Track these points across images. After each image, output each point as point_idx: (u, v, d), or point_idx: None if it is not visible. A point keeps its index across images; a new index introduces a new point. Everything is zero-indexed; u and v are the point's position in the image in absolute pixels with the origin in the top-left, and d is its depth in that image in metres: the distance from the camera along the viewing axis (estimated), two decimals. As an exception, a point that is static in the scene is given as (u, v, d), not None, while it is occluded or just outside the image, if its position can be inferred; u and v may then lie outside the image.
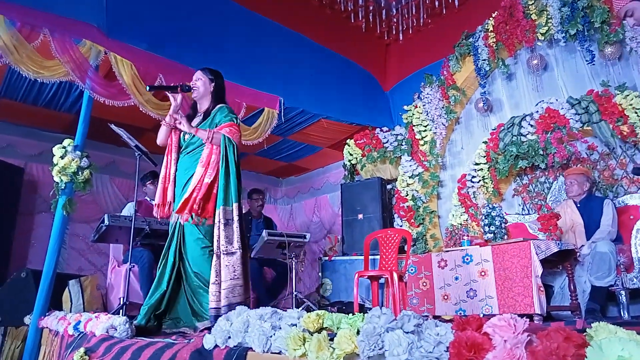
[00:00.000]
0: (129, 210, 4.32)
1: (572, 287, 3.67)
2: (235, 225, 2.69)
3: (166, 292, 2.72)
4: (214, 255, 2.64)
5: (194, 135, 2.86)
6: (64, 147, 3.55)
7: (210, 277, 2.64)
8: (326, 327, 1.41)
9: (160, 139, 3.01)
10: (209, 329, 2.45)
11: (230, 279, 2.59)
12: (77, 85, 3.88)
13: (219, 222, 2.66)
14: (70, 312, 3.51)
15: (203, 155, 2.79)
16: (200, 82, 2.98)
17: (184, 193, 2.81)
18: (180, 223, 2.80)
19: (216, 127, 2.85)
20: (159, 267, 2.82)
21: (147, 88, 2.92)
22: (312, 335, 1.34)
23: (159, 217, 2.95)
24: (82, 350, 2.29)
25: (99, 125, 4.14)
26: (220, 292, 2.56)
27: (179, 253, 2.78)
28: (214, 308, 2.53)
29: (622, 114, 3.94)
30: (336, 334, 1.27)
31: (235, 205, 2.73)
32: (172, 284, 2.74)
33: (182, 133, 2.98)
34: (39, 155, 5.84)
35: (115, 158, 6.42)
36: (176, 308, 2.78)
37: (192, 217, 2.75)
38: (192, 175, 2.81)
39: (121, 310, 3.34)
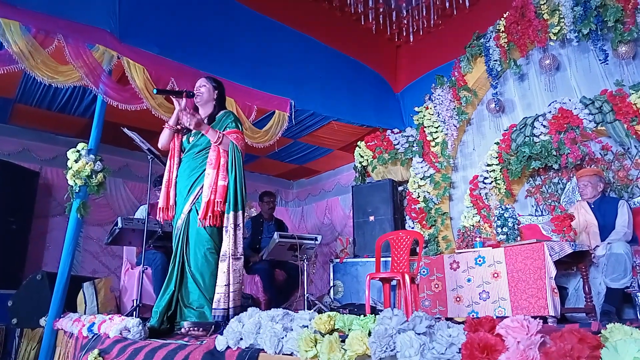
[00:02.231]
0: (141, 213, 4.35)
1: (586, 289, 3.62)
2: (241, 231, 2.76)
3: (174, 292, 2.75)
4: (223, 259, 2.68)
5: (200, 137, 2.90)
6: (78, 151, 3.59)
7: (205, 280, 2.71)
8: (337, 329, 1.41)
9: (162, 142, 3.02)
10: (200, 328, 2.49)
11: (237, 283, 2.68)
12: (90, 90, 3.93)
13: (229, 226, 2.70)
14: (85, 314, 3.55)
15: (211, 157, 2.81)
16: (204, 89, 3.02)
17: (189, 195, 2.84)
18: (185, 224, 2.83)
19: (224, 131, 2.90)
20: (169, 270, 2.85)
21: (155, 91, 2.97)
22: (323, 336, 1.34)
23: (162, 220, 2.98)
24: (96, 351, 2.31)
25: (112, 129, 4.18)
26: (229, 295, 2.62)
27: (182, 254, 2.81)
28: (223, 309, 2.59)
29: (637, 114, 3.88)
30: (348, 335, 1.27)
31: (240, 212, 2.78)
32: (178, 285, 2.78)
33: (186, 136, 3.01)
34: (53, 159, 5.92)
35: (128, 161, 6.48)
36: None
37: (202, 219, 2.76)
38: (199, 177, 2.84)
39: (134, 312, 3.36)
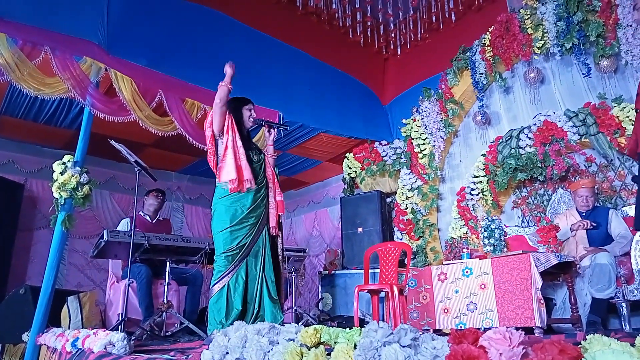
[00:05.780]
0: (123, 226, 4.31)
1: (572, 299, 3.65)
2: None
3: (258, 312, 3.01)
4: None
5: (260, 153, 3.31)
6: (64, 163, 3.55)
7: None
8: (324, 342, 1.41)
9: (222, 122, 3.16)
10: None
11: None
12: (77, 102, 3.91)
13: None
14: (69, 328, 3.49)
15: (269, 173, 3.25)
16: None
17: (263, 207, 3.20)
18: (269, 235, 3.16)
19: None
20: (248, 276, 3.00)
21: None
22: (309, 350, 1.34)
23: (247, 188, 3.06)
24: (79, 367, 2.28)
25: (99, 141, 4.16)
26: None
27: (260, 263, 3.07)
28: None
29: (619, 126, 3.96)
30: (333, 348, 1.27)
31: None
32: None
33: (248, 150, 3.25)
34: (39, 172, 5.86)
35: (115, 173, 6.44)
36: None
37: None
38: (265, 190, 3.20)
39: (120, 326, 3.32)
